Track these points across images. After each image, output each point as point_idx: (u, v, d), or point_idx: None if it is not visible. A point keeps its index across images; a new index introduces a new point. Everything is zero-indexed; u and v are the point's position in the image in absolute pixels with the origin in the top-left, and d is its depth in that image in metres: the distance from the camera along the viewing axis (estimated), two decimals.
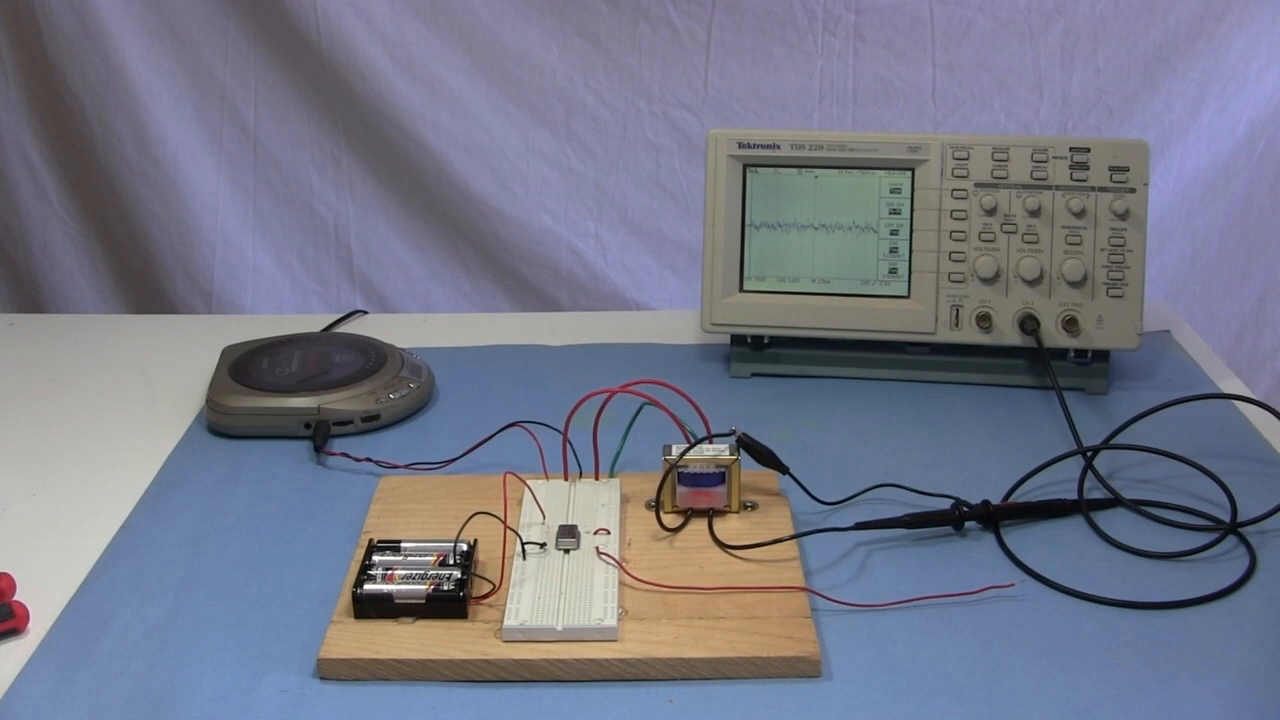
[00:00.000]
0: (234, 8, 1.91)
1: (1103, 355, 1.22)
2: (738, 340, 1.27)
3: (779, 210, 1.24)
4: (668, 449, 1.00)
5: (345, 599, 0.89)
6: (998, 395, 1.22)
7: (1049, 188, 1.20)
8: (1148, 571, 0.95)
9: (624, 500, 1.01)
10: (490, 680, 0.84)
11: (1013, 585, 0.93)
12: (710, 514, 0.99)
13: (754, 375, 1.27)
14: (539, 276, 2.00)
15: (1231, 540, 0.98)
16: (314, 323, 1.41)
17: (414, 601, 0.87)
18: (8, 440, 1.18)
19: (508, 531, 0.92)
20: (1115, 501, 1.03)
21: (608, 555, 0.93)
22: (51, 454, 1.15)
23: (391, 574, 0.89)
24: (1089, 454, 1.07)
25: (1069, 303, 1.20)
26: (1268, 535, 0.99)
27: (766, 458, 1.02)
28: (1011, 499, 1.02)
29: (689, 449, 0.99)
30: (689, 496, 0.99)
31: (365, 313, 1.47)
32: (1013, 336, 1.21)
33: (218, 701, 0.82)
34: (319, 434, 1.14)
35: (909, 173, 1.21)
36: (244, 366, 1.21)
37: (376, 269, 2.02)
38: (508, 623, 0.86)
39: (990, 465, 1.09)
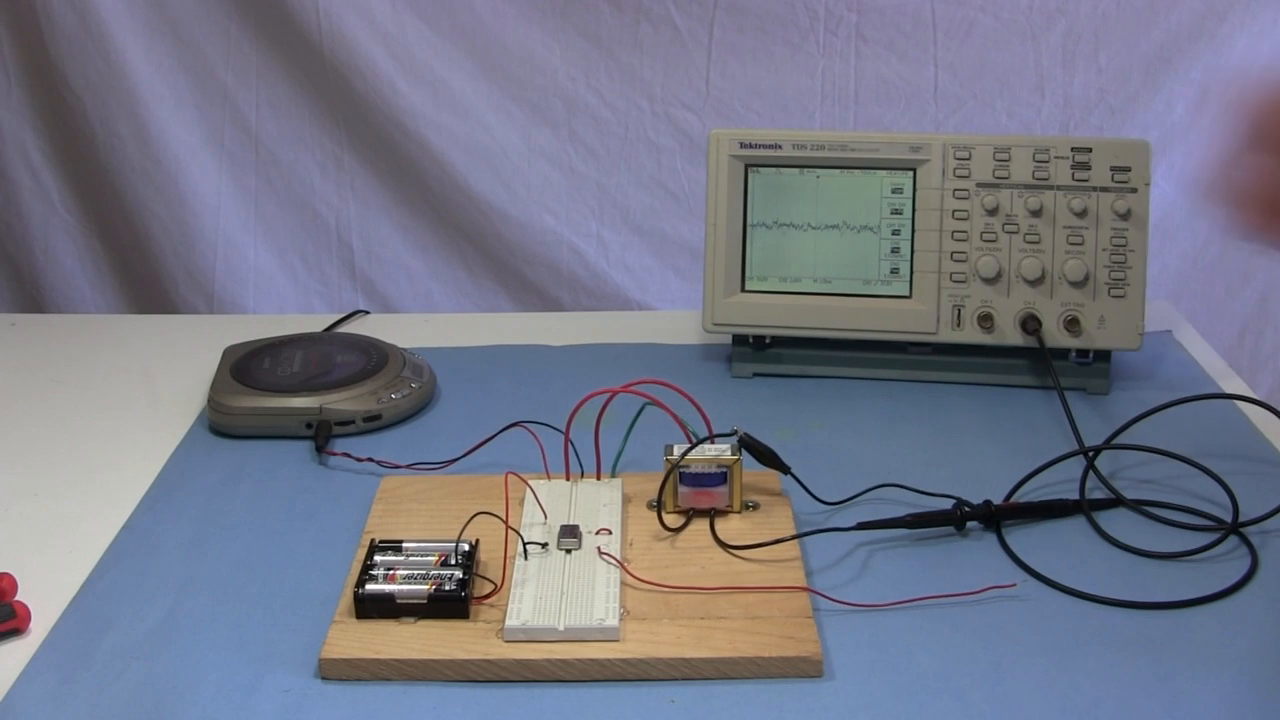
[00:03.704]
0: (236, 7, 1.91)
1: (1104, 355, 1.22)
2: (739, 340, 1.27)
3: (781, 210, 1.24)
4: (669, 449, 1.00)
5: (347, 599, 0.89)
6: (999, 395, 1.22)
7: (1051, 188, 1.20)
8: (1149, 571, 0.95)
9: (626, 500, 1.01)
10: (492, 680, 0.84)
11: (1014, 585, 0.93)
12: (712, 514, 0.99)
13: (755, 375, 1.27)
14: (541, 276, 2.00)
15: (1233, 540, 0.98)
16: (316, 323, 1.41)
17: (416, 601, 0.87)
18: (9, 440, 1.18)
19: (509, 531, 0.93)
20: (1117, 501, 1.03)
21: (609, 555, 0.93)
22: (53, 454, 1.16)
23: (393, 574, 0.89)
24: (1090, 454, 1.07)
25: (1071, 303, 1.20)
26: (1269, 535, 0.99)
27: (768, 458, 1.02)
28: (1013, 499, 1.02)
29: (691, 449, 0.99)
30: (691, 496, 0.99)
31: (367, 313, 1.47)
32: (1014, 336, 1.21)
33: (219, 701, 0.82)
34: (321, 434, 1.14)
35: (911, 173, 1.21)
36: (246, 366, 1.21)
37: (378, 269, 2.02)
38: (509, 623, 0.86)
39: (992, 465, 1.09)
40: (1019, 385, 1.23)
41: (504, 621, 0.86)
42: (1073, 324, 1.19)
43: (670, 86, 1.92)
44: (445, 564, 0.90)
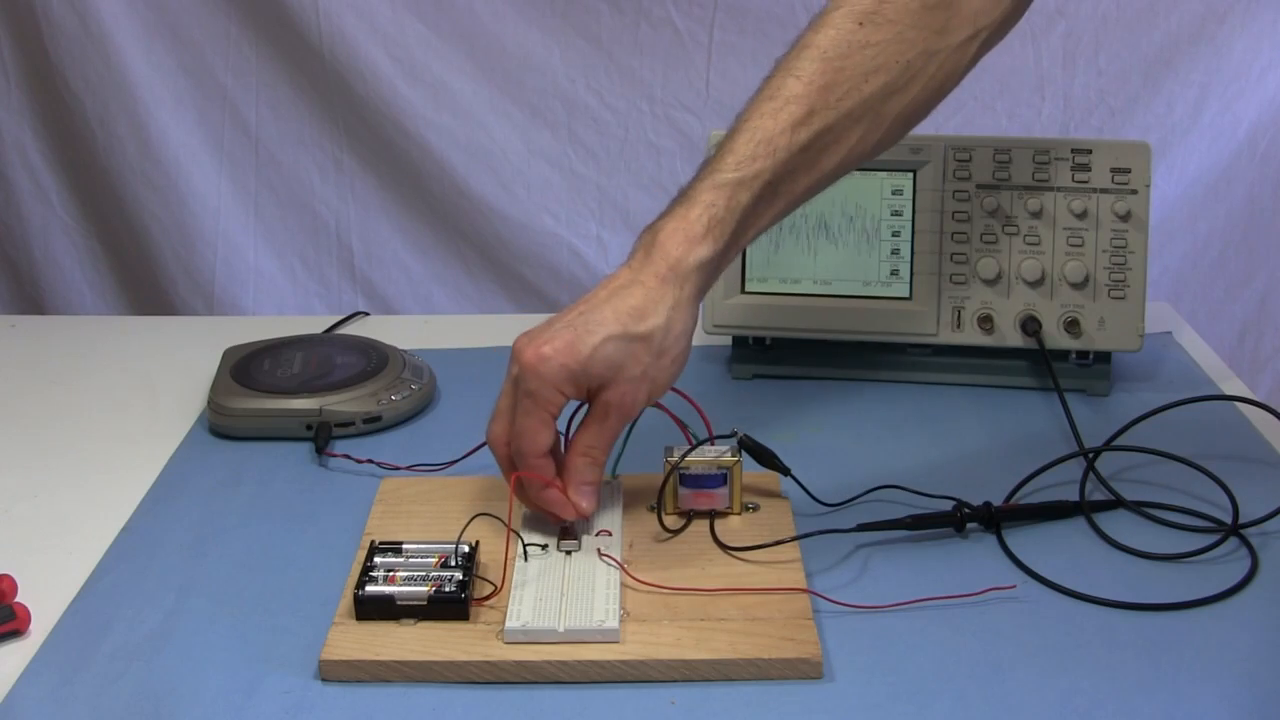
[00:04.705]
0: (235, 9, 1.91)
1: (1104, 357, 1.22)
2: (739, 342, 1.27)
3: None
4: (669, 450, 1.00)
5: (347, 600, 0.89)
6: (999, 397, 1.22)
7: (1051, 189, 1.20)
8: (1149, 573, 0.95)
9: (625, 502, 1.01)
10: (492, 682, 0.84)
11: (1014, 587, 0.93)
12: (712, 515, 0.99)
13: (756, 377, 1.27)
14: (540, 278, 2.01)
15: (1233, 542, 0.98)
16: (315, 324, 1.41)
17: (416, 603, 0.87)
18: (9, 442, 1.18)
19: (510, 533, 0.93)
20: (1117, 503, 1.03)
21: (609, 556, 0.93)
22: (53, 456, 1.16)
23: (393, 575, 0.89)
24: (1090, 455, 1.07)
25: (1070, 304, 1.20)
26: (1269, 537, 0.99)
27: (768, 459, 1.02)
28: (1013, 500, 1.02)
29: (690, 450, 0.99)
30: (690, 498, 0.99)
31: (367, 314, 1.47)
32: (1014, 338, 1.21)
33: (219, 703, 0.82)
34: (320, 435, 1.14)
35: (911, 174, 1.21)
36: (245, 368, 1.21)
37: (378, 270, 2.03)
38: (509, 624, 0.86)
39: (992, 467, 1.09)
40: (1019, 387, 1.23)
41: (504, 623, 0.86)
42: (1073, 325, 1.19)
43: (670, 88, 1.93)
44: (445, 565, 0.90)
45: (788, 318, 1.24)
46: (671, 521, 0.98)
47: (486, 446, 0.97)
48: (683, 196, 0.95)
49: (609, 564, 0.92)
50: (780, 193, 0.96)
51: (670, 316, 0.92)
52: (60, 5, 1.87)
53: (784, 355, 1.27)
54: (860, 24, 0.95)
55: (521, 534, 0.95)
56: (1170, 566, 0.96)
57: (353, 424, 1.16)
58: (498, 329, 1.44)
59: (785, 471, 1.03)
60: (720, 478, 0.99)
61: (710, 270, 0.94)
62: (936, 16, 0.96)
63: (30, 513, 1.06)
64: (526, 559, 0.93)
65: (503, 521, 0.93)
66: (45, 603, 0.92)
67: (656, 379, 0.93)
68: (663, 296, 0.92)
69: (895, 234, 1.22)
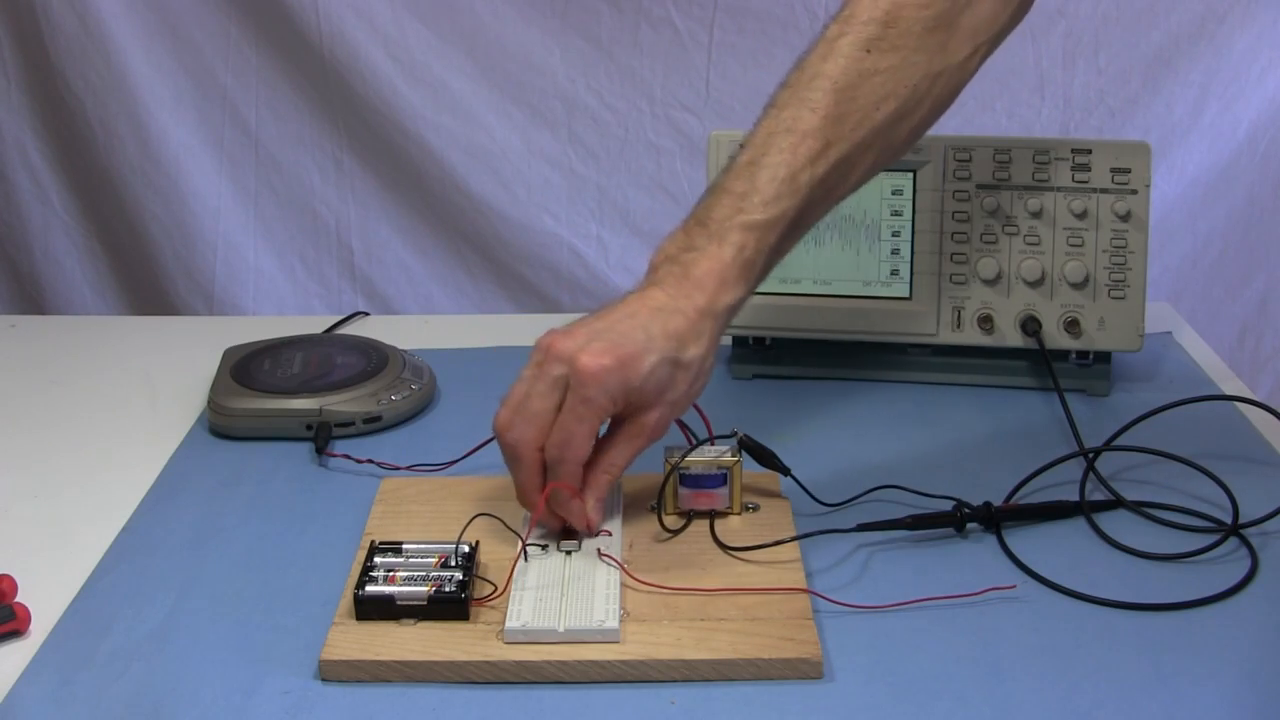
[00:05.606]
0: (236, 9, 1.91)
1: (1104, 357, 1.22)
2: (739, 342, 1.27)
3: None
4: (669, 451, 1.00)
5: (347, 600, 0.89)
6: (999, 397, 1.22)
7: (1051, 189, 1.20)
8: (1149, 573, 0.95)
9: (626, 502, 1.01)
10: (492, 682, 0.84)
11: (1014, 587, 0.93)
12: (712, 515, 0.99)
13: (755, 377, 1.27)
14: (540, 278, 2.00)
15: (1233, 542, 0.98)
16: (316, 324, 1.41)
17: (416, 603, 0.87)
18: (9, 442, 1.18)
19: (510, 533, 0.93)
20: (1117, 503, 1.03)
21: (609, 557, 0.93)
22: (53, 456, 1.16)
23: (393, 575, 0.89)
24: (1090, 455, 1.07)
25: (1071, 304, 1.20)
26: (1269, 537, 0.99)
27: (768, 459, 1.02)
28: (1013, 500, 1.02)
29: (690, 450, 0.99)
30: (690, 498, 0.99)
31: (367, 314, 1.47)
32: (1014, 338, 1.21)
33: (219, 703, 0.82)
34: (320, 435, 1.14)
35: (911, 174, 1.21)
36: (245, 368, 1.21)
37: (378, 270, 2.03)
38: (509, 624, 0.86)
39: (992, 467, 1.09)
40: (1019, 387, 1.23)
41: (504, 623, 0.86)
42: (1073, 325, 1.19)
43: (670, 88, 1.93)
44: (445, 565, 0.90)
45: (788, 318, 1.24)
46: (671, 521, 0.98)
47: (487, 447, 0.97)
48: (704, 229, 0.96)
49: (609, 564, 0.92)
50: (801, 226, 0.98)
51: (707, 349, 0.94)
52: (60, 5, 1.87)
53: (784, 355, 1.27)
54: (868, 51, 0.96)
55: (523, 534, 0.94)
56: (1170, 566, 0.96)
57: (353, 424, 1.16)
58: (498, 329, 1.44)
59: (785, 471, 1.03)
60: (720, 478, 0.99)
61: (737, 311, 0.97)
62: (938, 37, 0.98)
63: (30, 513, 1.06)
64: (526, 559, 0.93)
65: (503, 522, 0.94)
66: (45, 603, 0.92)
67: (684, 406, 0.96)
68: (703, 329, 0.94)
69: (895, 234, 1.22)
